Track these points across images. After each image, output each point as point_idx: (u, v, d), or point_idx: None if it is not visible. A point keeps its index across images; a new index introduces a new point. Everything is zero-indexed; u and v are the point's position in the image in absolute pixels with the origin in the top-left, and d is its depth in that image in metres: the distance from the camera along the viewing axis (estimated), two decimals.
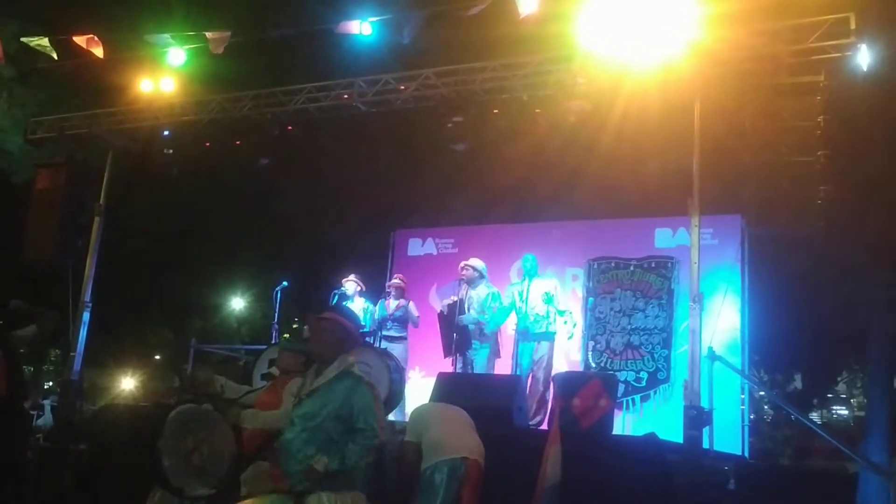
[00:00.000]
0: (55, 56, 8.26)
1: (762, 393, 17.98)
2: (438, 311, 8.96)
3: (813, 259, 10.93)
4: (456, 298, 8.74)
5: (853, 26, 7.05)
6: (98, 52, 7.81)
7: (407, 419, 9.65)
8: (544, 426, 7.99)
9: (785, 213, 7.16)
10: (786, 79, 7.26)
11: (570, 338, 8.94)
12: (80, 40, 7.88)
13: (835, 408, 26.04)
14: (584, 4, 7.34)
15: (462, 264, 9.09)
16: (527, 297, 8.78)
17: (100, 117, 10.38)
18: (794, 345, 16.42)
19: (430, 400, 7.63)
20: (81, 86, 9.28)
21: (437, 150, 9.72)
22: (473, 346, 8.72)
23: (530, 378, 8.68)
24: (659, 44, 7.28)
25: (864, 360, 14.27)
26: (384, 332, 9.40)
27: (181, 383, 11.87)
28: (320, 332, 4.15)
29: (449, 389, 7.19)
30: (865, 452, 10.64)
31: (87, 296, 10.02)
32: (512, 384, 7.83)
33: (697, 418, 6.95)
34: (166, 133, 10.11)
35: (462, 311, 8.64)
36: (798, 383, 21.81)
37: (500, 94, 8.69)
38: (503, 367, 9.04)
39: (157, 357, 23.50)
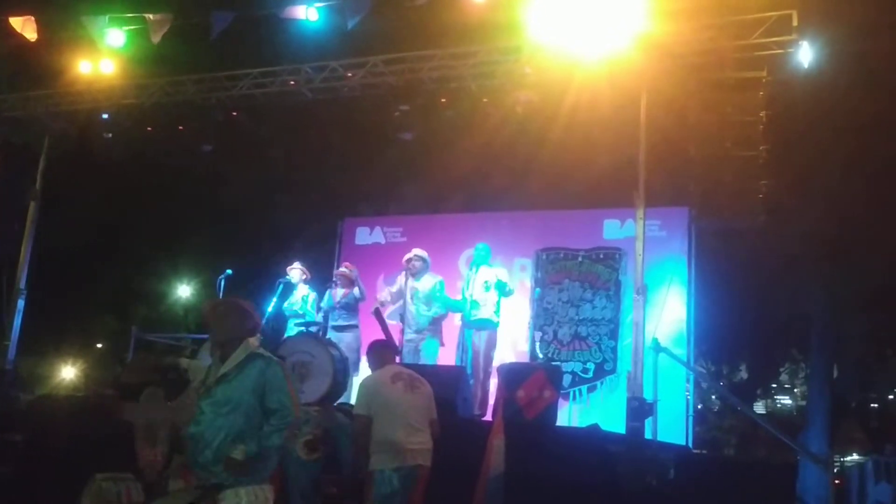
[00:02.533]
0: None
1: (705, 383, 18.29)
2: (373, 309, 8.84)
3: (756, 251, 11.13)
4: (383, 300, 8.64)
5: (795, 23, 7.18)
6: (32, 33, 7.56)
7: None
8: (488, 417, 7.98)
9: (728, 206, 7.30)
10: (730, 74, 7.37)
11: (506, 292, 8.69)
12: (15, 21, 7.62)
13: (778, 397, 26.59)
14: None
15: (408, 257, 8.94)
16: (472, 285, 8.74)
17: (36, 99, 10.09)
18: (738, 336, 16.71)
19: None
20: (17, 66, 8.99)
21: (385, 139, 9.65)
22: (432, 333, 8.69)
23: (475, 366, 8.66)
24: (607, 36, 7.32)
25: (805, 351, 14.60)
26: (332, 322, 9.27)
27: (122, 370, 11.69)
28: (220, 317, 4.08)
29: None
30: (805, 442, 10.90)
31: (21, 283, 9.76)
32: (456, 375, 7.80)
33: (639, 409, 7.02)
34: (105, 116, 9.88)
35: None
36: (744, 374, 22.21)
37: (448, 84, 8.67)
38: (447, 355, 8.98)
39: (100, 346, 23.02)
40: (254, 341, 4.02)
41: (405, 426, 5.25)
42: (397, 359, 6.84)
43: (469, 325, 8.61)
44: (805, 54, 7.27)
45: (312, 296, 9.63)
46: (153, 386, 6.40)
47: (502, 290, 8.54)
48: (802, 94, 8.07)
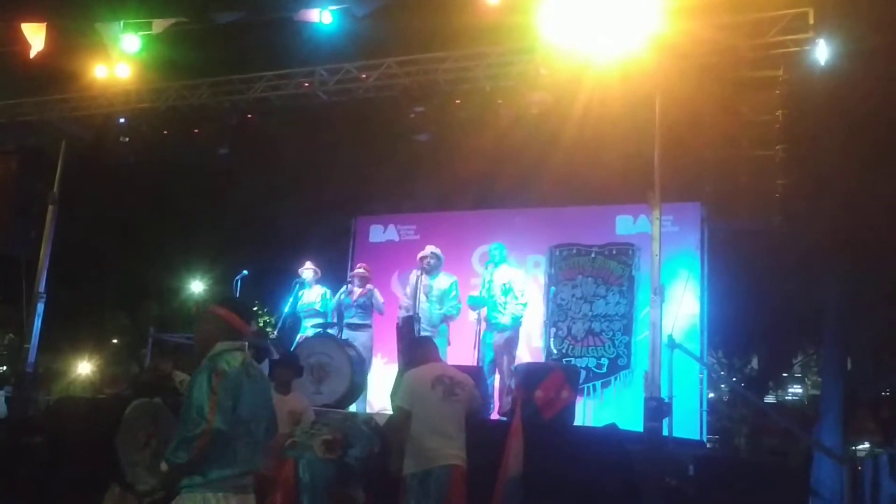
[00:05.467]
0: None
1: (722, 373, 18.31)
2: (397, 322, 8.90)
3: (771, 248, 11.10)
4: (409, 313, 8.68)
5: (811, 21, 7.14)
6: (40, 41, 7.59)
7: (370, 405, 9.74)
8: (494, 416, 8.05)
9: (744, 206, 7.25)
10: (745, 73, 7.33)
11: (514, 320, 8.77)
12: (29, 28, 7.65)
13: (789, 387, 26.55)
14: None
15: (422, 254, 9.02)
16: (490, 286, 8.81)
17: (52, 104, 10.10)
18: (751, 329, 16.70)
19: (393, 391, 7.60)
20: (33, 71, 9.02)
21: (399, 139, 9.67)
22: (441, 331, 8.72)
23: (496, 367, 8.73)
24: (621, 36, 7.28)
25: (818, 343, 14.59)
26: (347, 321, 9.35)
27: (140, 372, 11.74)
28: (196, 328, 3.94)
29: None
30: (819, 435, 10.90)
31: (41, 286, 9.80)
32: (474, 376, 7.82)
33: (657, 409, 7.03)
34: (122, 121, 9.93)
35: (418, 321, 8.59)
36: (755, 364, 22.20)
37: (462, 85, 8.66)
38: (459, 355, 9.00)
39: (115, 341, 23.18)
40: (219, 347, 3.75)
41: (438, 433, 5.30)
42: None
43: (490, 326, 8.68)
44: (822, 52, 7.22)
45: (328, 293, 9.73)
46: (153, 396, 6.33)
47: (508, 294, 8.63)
48: (819, 92, 8.00)
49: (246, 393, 3.67)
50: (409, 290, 8.97)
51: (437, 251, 9.03)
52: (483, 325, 8.71)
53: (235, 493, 3.59)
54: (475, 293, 9.01)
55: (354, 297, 9.47)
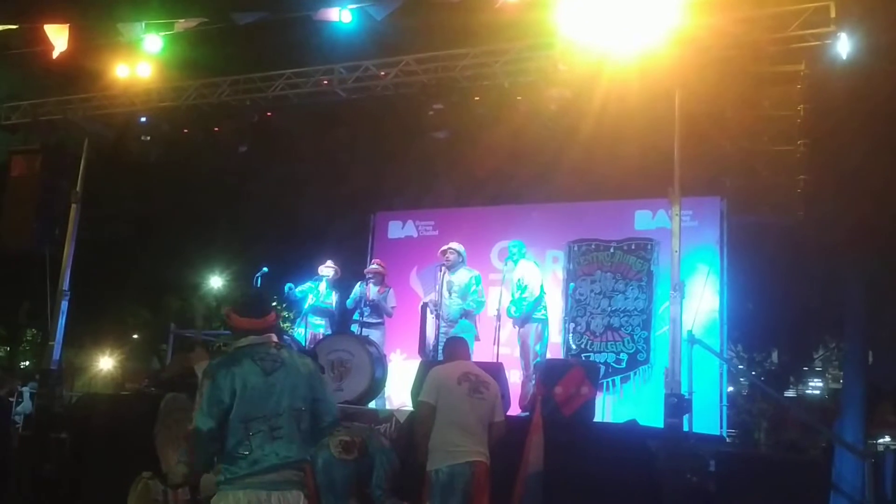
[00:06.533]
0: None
1: (741, 367, 18.20)
2: (421, 304, 8.96)
3: (792, 243, 11.02)
4: (429, 300, 8.70)
5: (833, 15, 7.08)
6: (63, 41, 7.67)
7: (390, 401, 9.78)
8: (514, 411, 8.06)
9: (765, 202, 7.20)
10: (766, 67, 7.26)
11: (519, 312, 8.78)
12: (52, 29, 7.72)
13: (810, 381, 26.38)
14: None
15: (444, 248, 9.07)
16: (510, 284, 8.87)
17: (75, 103, 10.23)
18: (771, 324, 16.60)
19: (413, 386, 7.63)
20: (56, 71, 9.12)
21: (417, 136, 9.67)
22: (463, 326, 8.76)
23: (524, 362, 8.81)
24: (640, 31, 7.23)
25: (839, 337, 14.47)
26: (361, 318, 9.41)
27: (161, 367, 11.87)
28: None
29: None
30: (840, 430, 10.82)
31: (65, 284, 9.90)
32: (494, 372, 7.83)
33: (678, 406, 7.03)
34: (143, 119, 10.02)
35: (433, 310, 8.65)
36: (775, 358, 22.07)
37: (480, 81, 8.68)
38: (481, 350, 9.03)
39: (136, 336, 23.40)
40: (237, 344, 3.75)
41: (461, 430, 5.33)
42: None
43: (514, 322, 8.76)
44: (843, 46, 7.15)
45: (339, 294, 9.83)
46: (176, 391, 6.46)
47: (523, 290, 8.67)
48: (841, 87, 7.92)
49: (247, 388, 3.54)
50: (437, 285, 9.02)
51: (459, 247, 9.08)
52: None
53: (269, 491, 3.49)
54: (495, 288, 9.06)
55: (372, 294, 9.53)
